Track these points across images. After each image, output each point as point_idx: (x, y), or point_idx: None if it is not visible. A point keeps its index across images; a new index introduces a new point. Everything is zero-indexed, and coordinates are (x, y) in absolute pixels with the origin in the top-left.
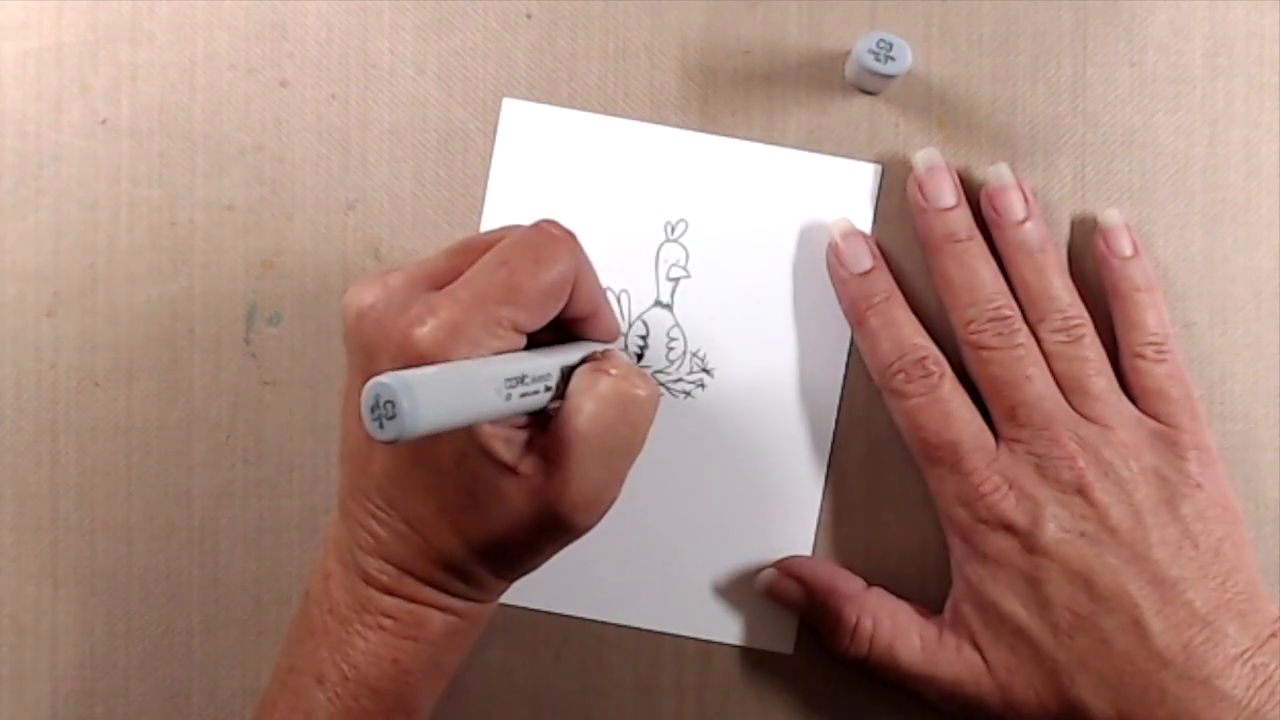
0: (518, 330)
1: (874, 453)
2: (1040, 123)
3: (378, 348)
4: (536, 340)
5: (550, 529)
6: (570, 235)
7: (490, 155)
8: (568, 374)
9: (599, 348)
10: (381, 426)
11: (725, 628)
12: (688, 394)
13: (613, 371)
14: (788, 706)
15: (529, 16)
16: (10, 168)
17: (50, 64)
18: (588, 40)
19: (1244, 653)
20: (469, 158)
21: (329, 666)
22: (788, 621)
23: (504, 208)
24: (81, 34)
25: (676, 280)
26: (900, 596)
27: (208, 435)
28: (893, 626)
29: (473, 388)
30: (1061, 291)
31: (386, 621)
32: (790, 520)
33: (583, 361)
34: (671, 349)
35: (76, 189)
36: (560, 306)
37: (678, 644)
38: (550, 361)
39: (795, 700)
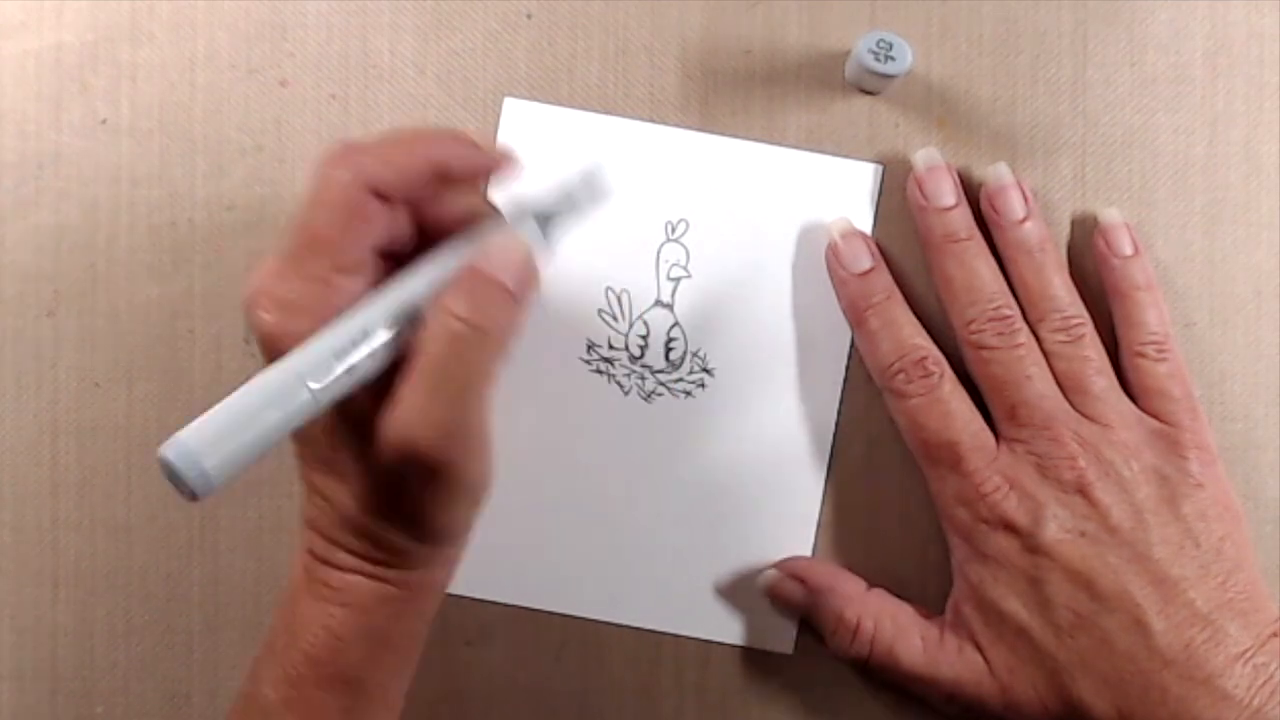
0: (347, 271)
1: (874, 453)
2: (1040, 123)
3: (258, 341)
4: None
5: (411, 475)
6: (335, 148)
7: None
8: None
9: (489, 237)
10: (179, 490)
11: (725, 628)
12: (688, 394)
13: (455, 308)
14: (788, 707)
15: (529, 16)
16: (10, 168)
17: (50, 64)
18: (588, 40)
19: (1245, 652)
20: None
21: (277, 635)
22: (787, 621)
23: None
24: (81, 34)
25: (677, 280)
26: (901, 597)
27: None
28: (893, 627)
29: (264, 413)
30: (1061, 291)
31: (324, 590)
32: (790, 520)
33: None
34: (672, 349)
35: (76, 189)
36: (375, 221)
37: (678, 644)
38: (379, 310)
39: (795, 700)
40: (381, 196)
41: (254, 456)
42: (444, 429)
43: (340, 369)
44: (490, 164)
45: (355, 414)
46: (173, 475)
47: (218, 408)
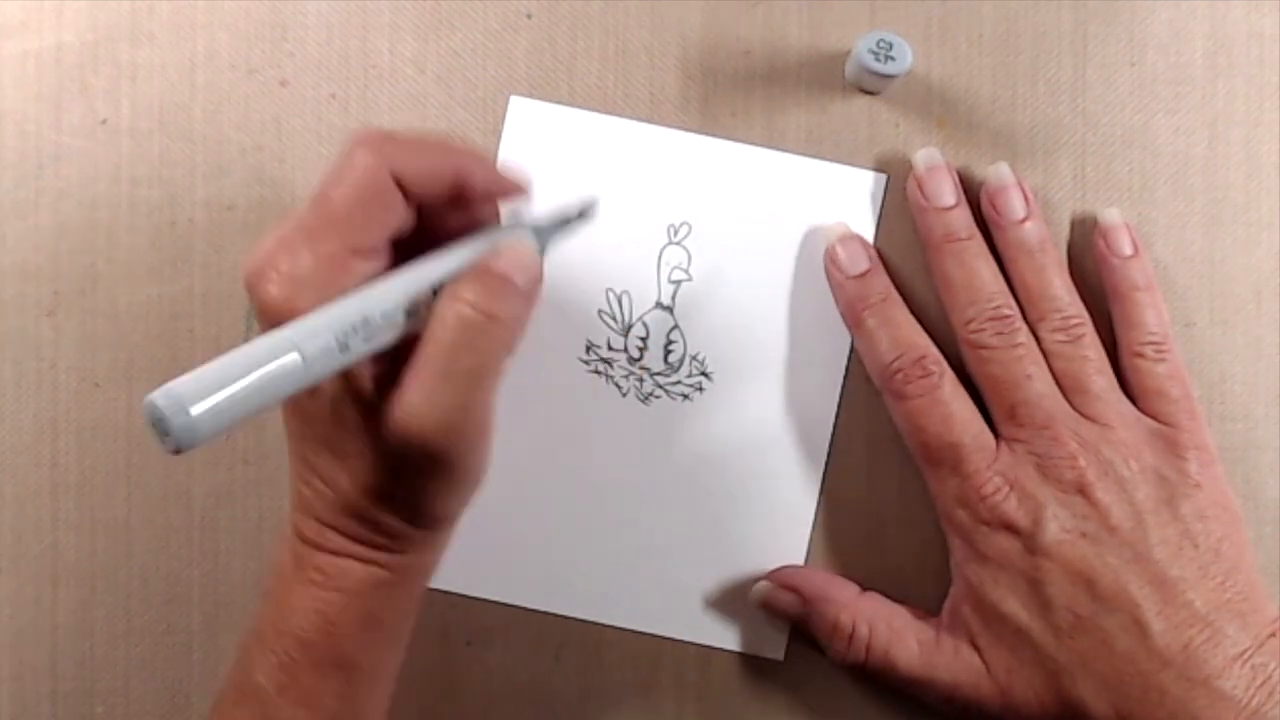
0: (361, 254)
1: (874, 455)
2: (1040, 123)
3: (258, 312)
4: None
5: (415, 461)
6: (367, 132)
7: (490, 155)
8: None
9: (499, 238)
10: (162, 441)
11: (717, 633)
12: (685, 397)
13: (467, 295)
14: (788, 708)
15: (529, 16)
16: (10, 168)
17: (50, 64)
18: (588, 40)
19: (1243, 653)
20: None
21: (267, 624)
22: (779, 628)
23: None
24: (81, 34)
25: (678, 283)
26: (899, 598)
27: None
28: (889, 631)
29: (255, 373)
30: (1061, 291)
31: (316, 575)
32: (784, 526)
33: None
34: (671, 351)
35: (76, 189)
36: (394, 209)
37: (677, 645)
38: (385, 292)
39: (795, 701)
40: (401, 189)
41: (240, 414)
42: (450, 418)
43: (335, 343)
44: (509, 189)
45: (362, 396)
46: (158, 421)
47: (209, 364)
